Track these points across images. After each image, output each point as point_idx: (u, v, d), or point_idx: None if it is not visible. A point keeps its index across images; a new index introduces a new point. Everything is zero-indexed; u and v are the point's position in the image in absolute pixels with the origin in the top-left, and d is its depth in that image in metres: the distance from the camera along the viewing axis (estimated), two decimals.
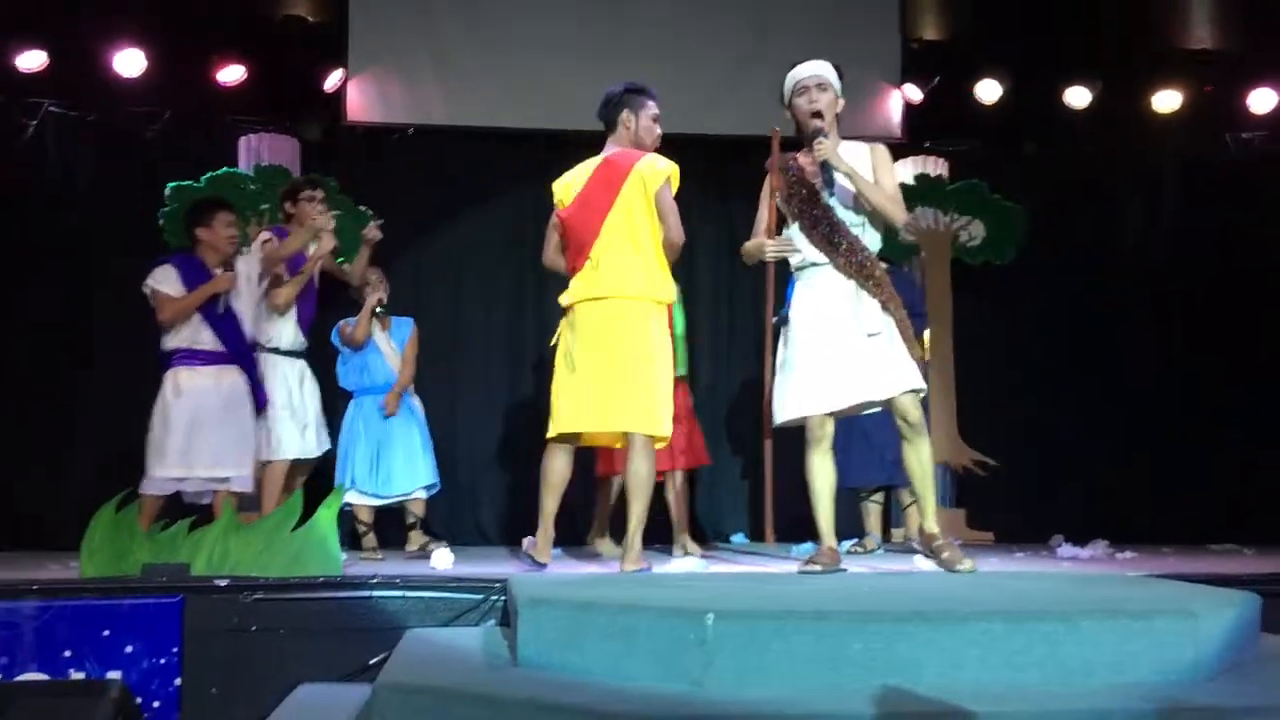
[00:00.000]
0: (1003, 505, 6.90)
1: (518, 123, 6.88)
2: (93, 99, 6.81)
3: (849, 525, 5.60)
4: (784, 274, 4.50)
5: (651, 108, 4.40)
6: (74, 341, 6.73)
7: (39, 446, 6.61)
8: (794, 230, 4.22)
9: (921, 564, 4.73)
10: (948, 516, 6.49)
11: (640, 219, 4.21)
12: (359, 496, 5.62)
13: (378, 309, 5.70)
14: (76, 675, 3.46)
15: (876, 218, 4.19)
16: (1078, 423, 7.21)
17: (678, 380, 5.04)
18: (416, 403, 5.88)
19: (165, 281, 4.98)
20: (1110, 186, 7.53)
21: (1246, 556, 5.58)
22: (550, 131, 6.67)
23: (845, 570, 4.20)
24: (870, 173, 4.17)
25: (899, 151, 7.31)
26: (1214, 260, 7.28)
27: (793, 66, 4.24)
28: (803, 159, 4.24)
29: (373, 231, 5.66)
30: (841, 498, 4.51)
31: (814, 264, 4.17)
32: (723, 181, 6.95)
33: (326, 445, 5.54)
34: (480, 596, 3.73)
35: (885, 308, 4.10)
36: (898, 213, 4.19)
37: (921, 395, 4.11)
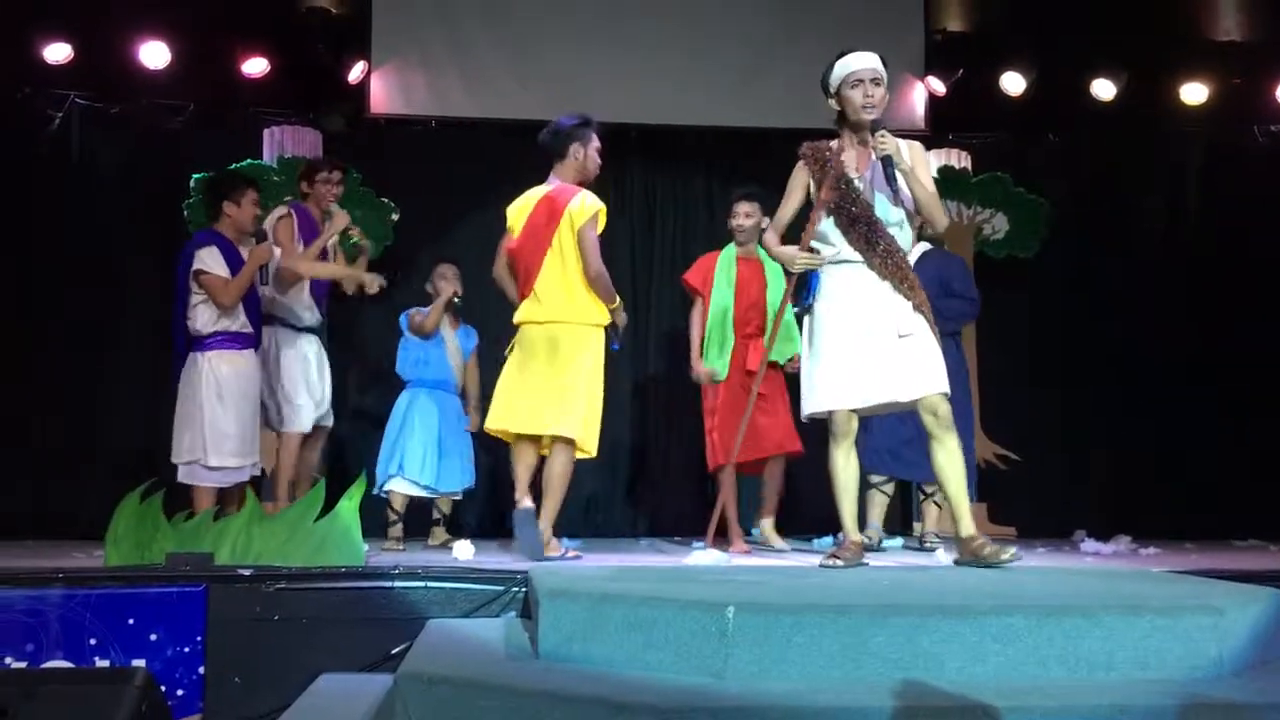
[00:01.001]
0: (1025, 500, 6.88)
1: (539, 115, 6.85)
2: (118, 91, 6.87)
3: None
4: None
5: (596, 140, 4.77)
6: (100, 332, 6.79)
7: (65, 436, 6.67)
8: (828, 225, 4.11)
9: (943, 558, 4.72)
10: (970, 510, 6.47)
11: (570, 253, 4.61)
12: (404, 484, 5.59)
13: (454, 300, 5.73)
14: (101, 663, 3.49)
15: (912, 219, 4.12)
16: (1101, 417, 7.17)
17: (774, 366, 5.34)
18: (460, 403, 5.90)
19: (217, 264, 5.02)
20: (1136, 179, 7.47)
21: (1272, 552, 5.54)
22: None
23: (868, 564, 4.20)
24: (915, 164, 4.11)
25: (923, 143, 7.29)
26: (1241, 253, 7.22)
27: (840, 56, 4.13)
28: (843, 153, 4.14)
29: (362, 241, 5.59)
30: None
31: (847, 260, 4.08)
32: (747, 174, 6.92)
33: (328, 420, 5.55)
34: (501, 588, 3.74)
35: (918, 309, 4.02)
36: (941, 215, 4.20)
37: (946, 400, 4.04)
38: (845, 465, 4.13)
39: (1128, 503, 6.71)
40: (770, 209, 4.55)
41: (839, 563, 4.07)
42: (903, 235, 4.09)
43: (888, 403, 4.05)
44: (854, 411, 4.08)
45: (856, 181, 4.06)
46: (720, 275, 5.51)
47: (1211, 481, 6.95)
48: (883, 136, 4.02)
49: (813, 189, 4.17)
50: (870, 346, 4.00)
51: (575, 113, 4.78)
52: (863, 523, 5.49)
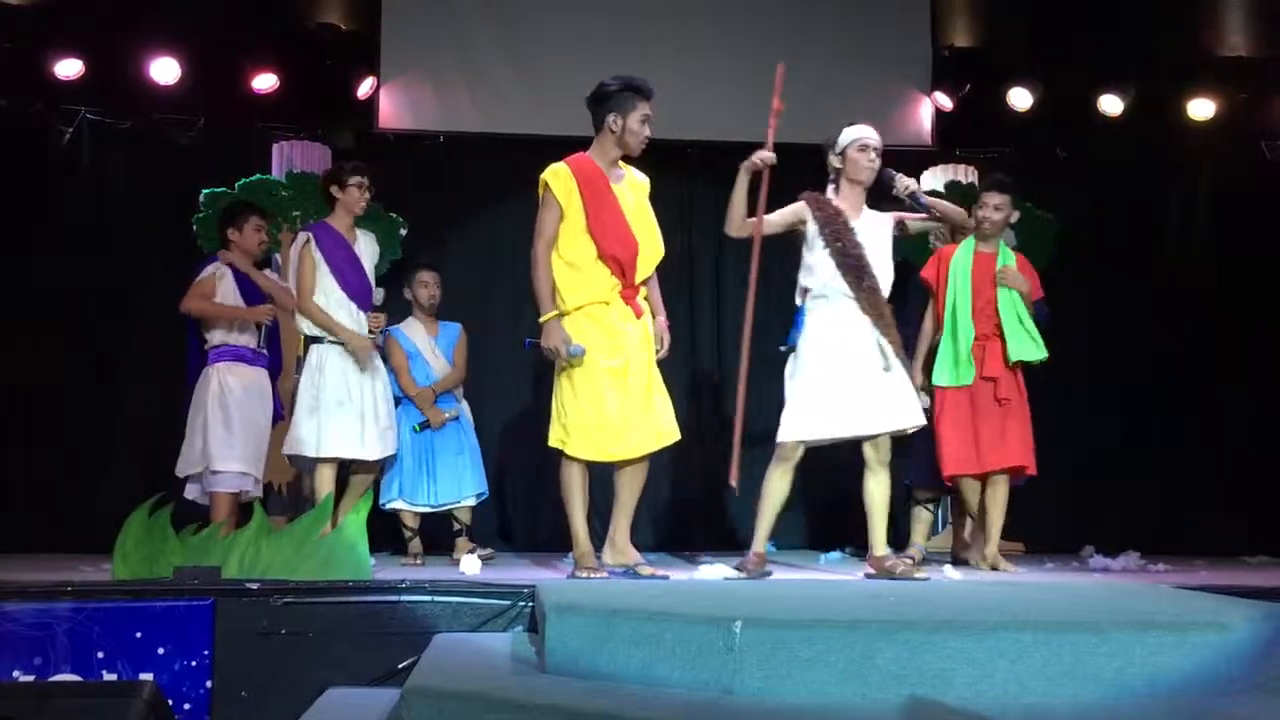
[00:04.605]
0: (1034, 515, 6.84)
1: (549, 129, 6.89)
2: (128, 106, 6.90)
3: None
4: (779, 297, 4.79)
5: (642, 108, 4.42)
6: (111, 346, 6.81)
7: (74, 450, 6.69)
8: (821, 256, 4.52)
9: (950, 573, 4.71)
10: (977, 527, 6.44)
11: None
12: (405, 504, 5.55)
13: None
14: (109, 676, 3.49)
15: (890, 268, 4.59)
16: (1110, 432, 7.15)
17: (1016, 364, 5.08)
18: (466, 409, 5.83)
19: (216, 279, 5.11)
20: (1144, 195, 7.46)
21: None
22: (581, 139, 6.68)
23: (771, 575, 4.47)
24: (891, 233, 4.63)
25: (929, 158, 7.33)
26: (1250, 268, 7.20)
27: (849, 125, 4.64)
28: (843, 202, 4.60)
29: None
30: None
31: (828, 296, 4.51)
32: (754, 186, 6.93)
33: (390, 449, 5.19)
34: (508, 602, 3.74)
35: (892, 347, 4.49)
36: (964, 214, 4.85)
37: (915, 429, 4.51)
38: (778, 487, 4.51)
39: (1137, 518, 6.69)
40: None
41: (742, 575, 4.37)
42: (882, 279, 4.55)
43: (856, 435, 4.46)
44: (805, 443, 4.46)
45: (853, 226, 4.55)
46: (956, 270, 5.16)
47: (1221, 498, 6.93)
48: (899, 178, 4.59)
49: (810, 227, 4.58)
50: (857, 379, 4.43)
51: (622, 75, 4.45)
52: (905, 541, 5.47)
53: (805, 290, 4.60)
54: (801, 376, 4.50)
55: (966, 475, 5.07)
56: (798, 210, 4.61)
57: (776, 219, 4.60)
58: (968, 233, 5.18)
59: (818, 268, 4.53)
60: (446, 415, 5.60)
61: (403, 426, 5.57)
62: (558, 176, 4.40)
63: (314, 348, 5.12)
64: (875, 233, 4.58)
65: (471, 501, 5.66)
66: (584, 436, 4.32)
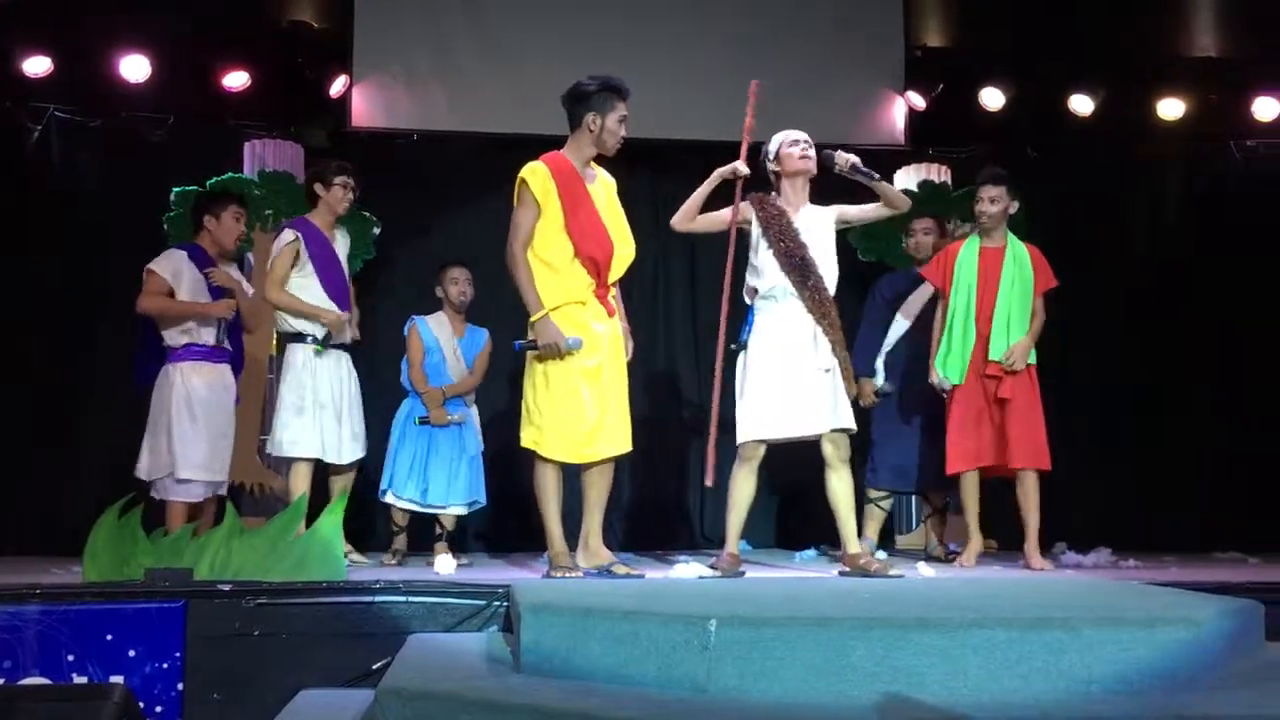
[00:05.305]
0: (1006, 512, 6.89)
1: (522, 128, 6.88)
2: (98, 104, 6.82)
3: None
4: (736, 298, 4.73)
5: (619, 109, 4.44)
6: (78, 346, 6.74)
7: (43, 450, 6.62)
8: (766, 257, 4.58)
9: (924, 570, 4.74)
10: (951, 523, 6.48)
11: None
12: (392, 498, 5.47)
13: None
14: (79, 679, 3.46)
15: (834, 263, 4.65)
16: (1081, 430, 7.20)
17: (1031, 366, 5.09)
18: (475, 416, 5.70)
19: (168, 269, 4.97)
20: (1114, 194, 7.52)
21: (1250, 565, 5.57)
22: (554, 137, 6.67)
23: (745, 573, 4.49)
24: (834, 225, 4.69)
25: (902, 158, 7.36)
26: (1219, 268, 7.27)
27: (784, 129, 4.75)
28: (786, 202, 4.67)
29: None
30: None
31: (775, 296, 4.56)
32: (726, 187, 6.95)
33: (357, 454, 5.21)
34: (483, 602, 3.74)
35: (834, 349, 4.53)
36: (903, 196, 4.75)
37: (851, 434, 4.54)
38: (743, 486, 4.57)
39: (1108, 515, 6.73)
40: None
41: (716, 573, 4.41)
42: (828, 277, 4.60)
43: (802, 436, 4.49)
44: (764, 441, 4.50)
45: (796, 224, 4.60)
46: (961, 267, 5.15)
47: (1191, 493, 6.99)
48: (837, 155, 4.61)
49: (755, 227, 4.66)
50: (797, 380, 4.48)
51: (600, 75, 4.48)
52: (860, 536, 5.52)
53: (754, 290, 4.66)
54: (751, 377, 4.55)
55: (969, 472, 5.08)
56: (742, 210, 4.68)
57: (721, 217, 4.67)
58: (976, 227, 5.21)
59: (764, 268, 4.60)
60: (450, 418, 5.49)
61: (406, 418, 5.53)
62: (535, 175, 4.37)
63: (290, 348, 5.11)
64: (818, 229, 4.63)
65: (461, 510, 5.53)
66: (559, 438, 4.32)
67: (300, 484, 4.94)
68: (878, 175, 4.65)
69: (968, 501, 5.17)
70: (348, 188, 5.22)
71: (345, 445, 5.10)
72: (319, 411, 5.02)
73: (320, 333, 5.05)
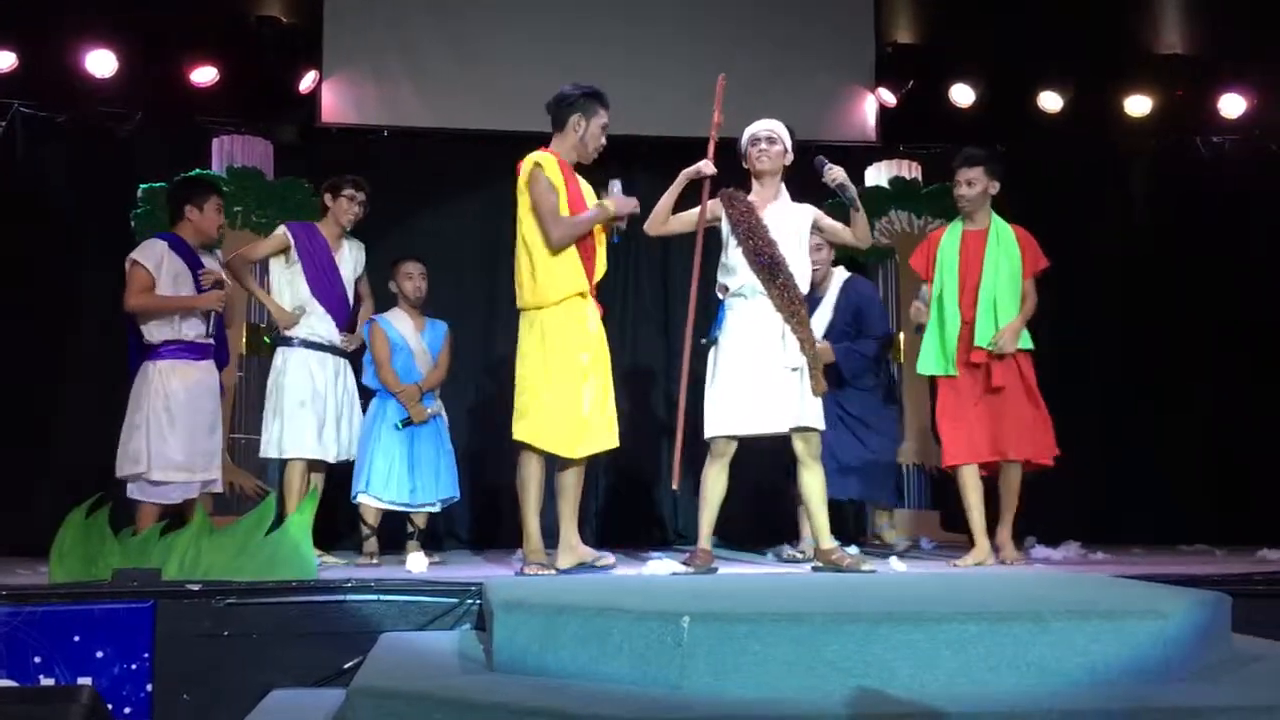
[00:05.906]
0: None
1: (492, 124, 6.87)
2: (64, 99, 6.75)
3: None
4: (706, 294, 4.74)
5: (602, 116, 4.59)
6: (47, 343, 6.66)
7: (11, 449, 6.54)
8: (736, 255, 4.58)
9: (896, 565, 4.76)
10: (923, 518, 6.52)
11: (521, 226, 4.45)
12: (371, 500, 5.36)
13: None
14: (46, 681, 3.43)
15: (806, 260, 4.64)
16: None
17: (1024, 353, 4.90)
18: (441, 410, 5.62)
19: (151, 259, 4.87)
20: (1083, 190, 7.57)
21: (1217, 557, 5.62)
22: (524, 134, 6.66)
23: (717, 570, 4.51)
24: (809, 225, 4.66)
25: (873, 154, 7.38)
26: (1188, 265, 7.33)
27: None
28: (752, 196, 4.65)
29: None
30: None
31: (745, 294, 4.56)
32: (694, 183, 6.95)
33: (346, 454, 5.30)
34: (455, 600, 3.73)
35: (803, 347, 4.50)
36: (869, 233, 4.75)
37: (818, 433, 4.52)
38: (715, 483, 4.56)
39: (1077, 509, 6.78)
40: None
41: (689, 570, 4.42)
42: (798, 275, 4.57)
43: (769, 432, 4.49)
44: (735, 438, 4.50)
45: (765, 222, 4.58)
46: (944, 254, 5.01)
47: (1158, 487, 7.05)
48: (830, 168, 4.58)
49: (725, 225, 4.65)
50: (764, 377, 4.47)
51: (581, 84, 4.60)
52: (799, 535, 5.49)
53: (725, 288, 4.66)
54: (720, 373, 4.56)
55: (967, 466, 4.90)
56: (712, 208, 4.68)
57: (693, 217, 4.67)
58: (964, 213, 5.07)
59: (734, 266, 4.60)
60: (429, 411, 5.46)
61: (378, 419, 5.45)
62: (549, 161, 4.47)
63: (280, 350, 5.21)
64: (789, 225, 4.61)
65: (436, 507, 5.49)
66: (556, 431, 4.36)
67: (294, 484, 5.07)
68: (859, 204, 4.62)
69: (970, 499, 4.92)
70: (354, 200, 5.38)
71: (328, 443, 5.22)
72: (299, 410, 5.12)
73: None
